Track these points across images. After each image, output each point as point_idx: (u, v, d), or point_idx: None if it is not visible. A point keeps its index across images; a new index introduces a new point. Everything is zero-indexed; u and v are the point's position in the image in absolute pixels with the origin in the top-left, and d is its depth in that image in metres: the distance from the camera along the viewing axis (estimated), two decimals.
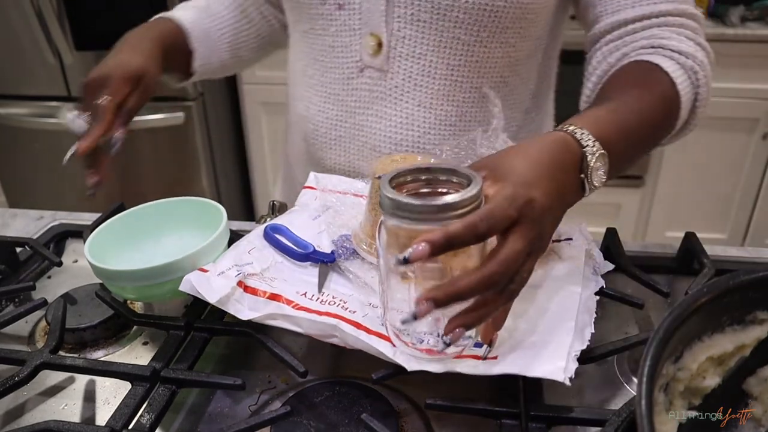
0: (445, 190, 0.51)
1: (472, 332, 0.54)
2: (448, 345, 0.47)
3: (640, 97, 0.61)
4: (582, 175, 0.52)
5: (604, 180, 0.54)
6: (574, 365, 0.50)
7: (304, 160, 0.89)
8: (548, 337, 0.54)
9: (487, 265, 0.45)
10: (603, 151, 0.53)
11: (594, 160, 0.52)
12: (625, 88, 0.63)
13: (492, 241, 0.47)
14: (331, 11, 0.76)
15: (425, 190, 0.52)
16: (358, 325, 0.56)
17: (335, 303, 0.59)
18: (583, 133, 0.53)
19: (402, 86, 0.76)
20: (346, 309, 0.58)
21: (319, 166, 0.85)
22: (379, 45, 0.75)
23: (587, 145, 0.52)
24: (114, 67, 0.72)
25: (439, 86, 0.75)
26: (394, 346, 0.54)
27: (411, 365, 0.52)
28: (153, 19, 0.86)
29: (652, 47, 0.67)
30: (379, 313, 0.56)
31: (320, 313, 0.56)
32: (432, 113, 0.76)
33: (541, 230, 0.47)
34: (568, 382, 0.48)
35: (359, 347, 0.55)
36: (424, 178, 0.51)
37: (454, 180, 0.50)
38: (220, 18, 0.89)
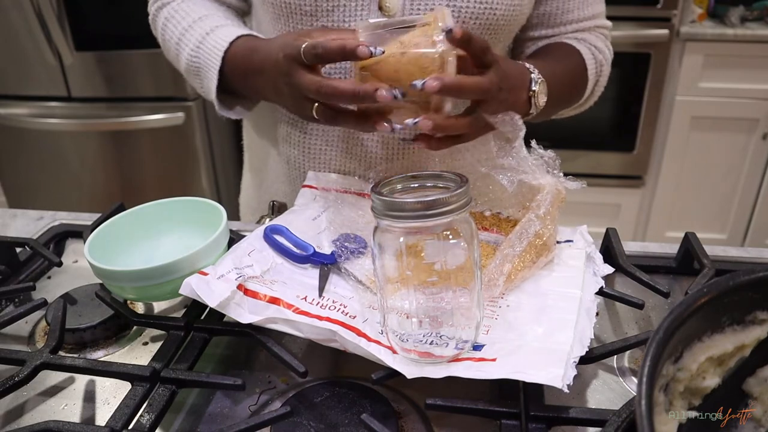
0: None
1: (470, 335, 0.54)
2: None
3: (562, 62, 0.80)
4: (530, 94, 0.69)
5: (544, 102, 0.70)
6: (573, 372, 0.51)
7: (284, 179, 0.87)
8: (547, 342, 0.54)
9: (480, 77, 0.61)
10: (543, 78, 0.70)
11: (538, 83, 0.69)
12: (555, 54, 0.82)
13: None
14: None
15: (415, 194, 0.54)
16: (358, 332, 0.56)
17: (335, 308, 0.59)
18: (530, 66, 0.70)
19: None
20: (347, 314, 0.58)
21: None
22: None
23: (533, 72, 0.70)
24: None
25: None
26: (394, 352, 0.54)
27: (411, 372, 0.52)
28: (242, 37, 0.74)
29: (576, 39, 0.83)
30: (379, 318, 0.56)
31: (320, 318, 0.57)
32: None
33: (505, 86, 0.63)
34: (566, 389, 0.49)
35: (359, 353, 0.55)
36: (412, 185, 0.55)
37: (440, 184, 0.54)
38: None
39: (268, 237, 0.67)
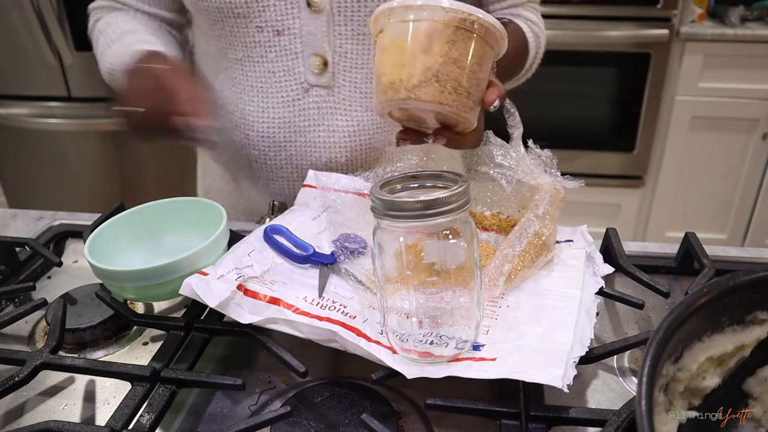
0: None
1: (470, 335, 0.54)
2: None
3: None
4: None
5: None
6: (573, 372, 0.51)
7: (246, 180, 0.88)
8: (548, 342, 0.54)
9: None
10: None
11: None
12: None
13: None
14: (269, 38, 0.76)
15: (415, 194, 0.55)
16: (358, 332, 0.56)
17: (335, 308, 0.59)
18: None
19: (350, 97, 0.79)
20: (347, 314, 0.58)
21: (268, 187, 0.85)
22: (325, 64, 0.77)
23: None
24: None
25: None
26: (394, 353, 0.54)
27: (411, 372, 0.52)
28: (141, 51, 0.74)
29: (512, 14, 0.86)
30: (379, 318, 0.56)
31: (320, 318, 0.57)
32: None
33: None
34: (566, 389, 0.49)
35: (359, 354, 0.55)
36: (412, 185, 0.55)
37: (440, 184, 0.54)
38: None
39: (268, 237, 0.67)
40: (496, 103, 0.60)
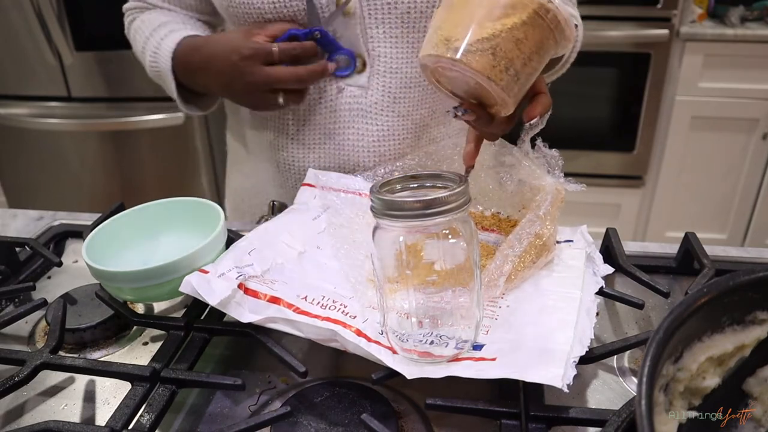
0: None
1: (470, 335, 0.54)
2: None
3: None
4: None
5: None
6: (573, 372, 0.51)
7: (273, 183, 0.89)
8: (548, 342, 0.54)
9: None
10: None
11: None
12: None
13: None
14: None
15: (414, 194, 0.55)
16: (358, 332, 0.56)
17: (335, 308, 0.59)
18: None
19: (382, 101, 0.79)
20: (347, 314, 0.58)
21: (294, 188, 0.85)
22: (363, 64, 0.78)
23: None
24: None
25: (416, 95, 0.80)
26: (394, 353, 0.54)
27: (411, 372, 0.52)
28: (188, 36, 0.81)
29: None
30: (379, 318, 0.56)
31: (321, 318, 0.57)
32: (410, 121, 0.81)
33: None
34: (566, 389, 0.49)
35: (359, 353, 0.55)
36: (412, 185, 0.55)
37: (439, 184, 0.54)
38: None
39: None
40: (536, 119, 0.60)
